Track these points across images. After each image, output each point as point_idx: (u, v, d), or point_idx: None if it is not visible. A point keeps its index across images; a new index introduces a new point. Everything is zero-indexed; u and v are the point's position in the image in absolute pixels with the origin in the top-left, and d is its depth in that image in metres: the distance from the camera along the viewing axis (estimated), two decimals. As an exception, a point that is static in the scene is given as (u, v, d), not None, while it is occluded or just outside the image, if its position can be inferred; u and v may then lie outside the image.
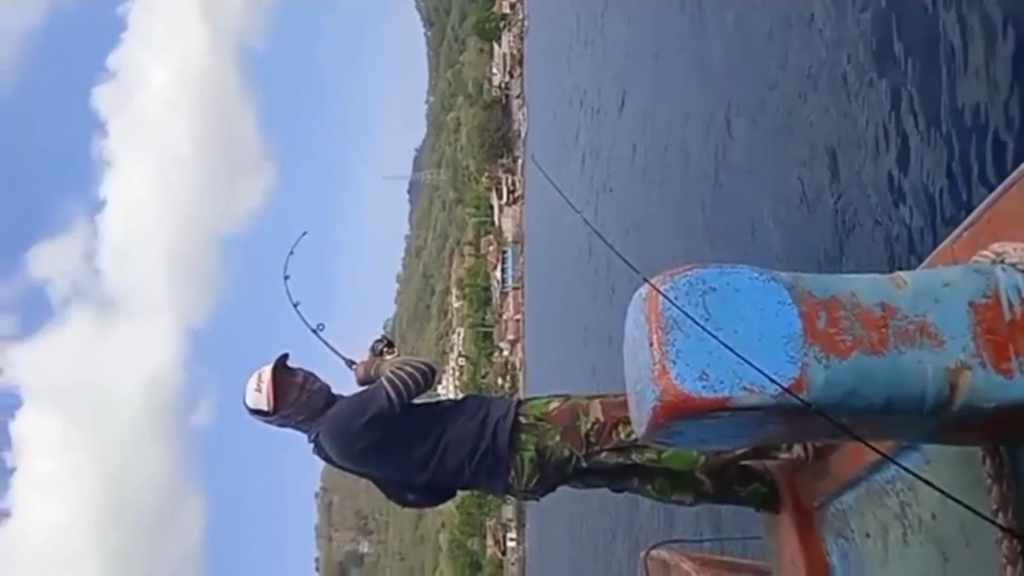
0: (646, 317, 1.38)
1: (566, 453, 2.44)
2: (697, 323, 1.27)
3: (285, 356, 2.67)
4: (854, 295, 1.37)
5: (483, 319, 66.15)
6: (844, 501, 2.23)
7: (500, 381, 58.62)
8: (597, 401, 2.48)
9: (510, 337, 58.59)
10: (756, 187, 6.19)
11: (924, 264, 1.71)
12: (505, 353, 60.54)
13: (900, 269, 1.52)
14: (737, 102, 7.02)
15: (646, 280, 1.36)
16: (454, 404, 2.68)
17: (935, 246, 1.75)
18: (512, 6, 63.10)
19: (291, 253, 3.12)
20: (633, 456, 2.40)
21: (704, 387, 1.30)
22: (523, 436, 2.47)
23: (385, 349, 2.79)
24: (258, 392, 2.61)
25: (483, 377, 62.89)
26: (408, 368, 2.53)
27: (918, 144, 3.52)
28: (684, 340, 1.34)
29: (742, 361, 1.29)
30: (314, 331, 2.81)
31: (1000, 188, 1.51)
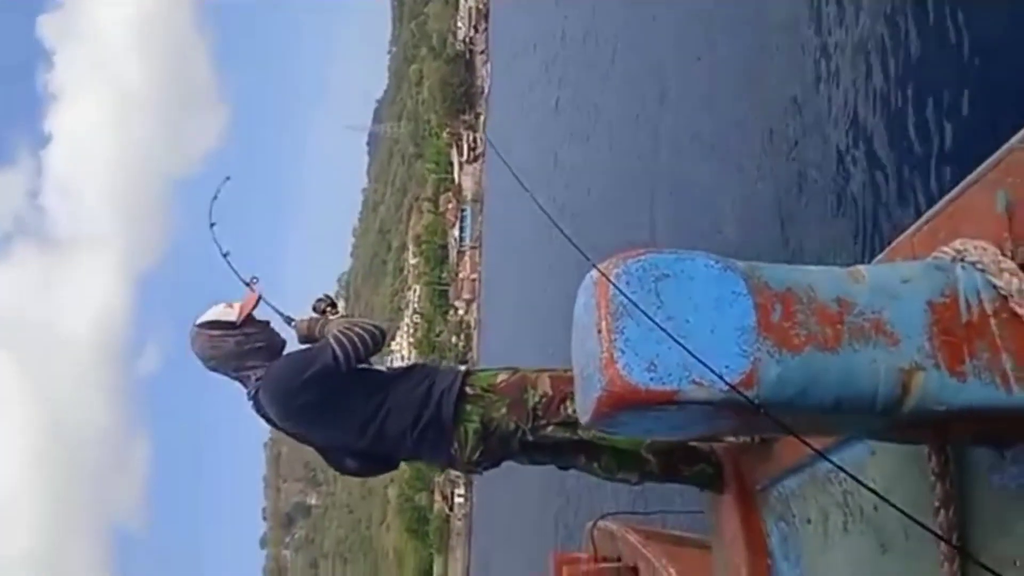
0: (596, 302, 1.31)
1: (511, 426, 2.39)
2: (646, 314, 1.20)
3: (259, 296, 2.59)
4: (811, 288, 1.31)
5: (439, 277, 65.86)
6: (787, 486, 2.23)
7: (454, 340, 58.68)
8: (546, 375, 2.43)
9: (466, 296, 58.54)
10: (718, 174, 6.17)
11: (882, 256, 1.67)
12: (460, 312, 60.52)
13: (861, 261, 1.48)
14: (705, 86, 6.95)
15: (595, 267, 1.28)
16: (400, 372, 2.60)
17: (894, 238, 1.71)
18: (480, -43, 61.61)
19: (215, 198, 3.02)
20: (580, 432, 2.36)
21: (652, 379, 1.25)
22: (468, 407, 2.40)
23: (328, 309, 2.70)
24: (228, 307, 2.54)
25: (437, 335, 62.86)
26: (357, 329, 2.44)
27: (882, 136, 3.51)
28: (634, 328, 1.27)
29: (691, 354, 1.24)
30: (247, 284, 2.72)
31: (963, 183, 1.46)
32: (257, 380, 2.48)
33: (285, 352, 2.57)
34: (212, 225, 2.87)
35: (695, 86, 7.20)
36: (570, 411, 2.35)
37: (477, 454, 2.42)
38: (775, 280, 1.31)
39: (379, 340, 2.46)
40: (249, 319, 2.55)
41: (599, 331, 1.28)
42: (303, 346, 2.58)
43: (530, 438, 2.40)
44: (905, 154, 3.30)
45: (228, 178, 3.19)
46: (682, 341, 1.24)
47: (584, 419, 1.38)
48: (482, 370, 2.55)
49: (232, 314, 2.53)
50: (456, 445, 2.40)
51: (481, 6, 60.06)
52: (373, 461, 2.58)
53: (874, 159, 3.54)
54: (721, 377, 1.18)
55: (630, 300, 1.21)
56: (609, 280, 1.24)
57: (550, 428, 2.37)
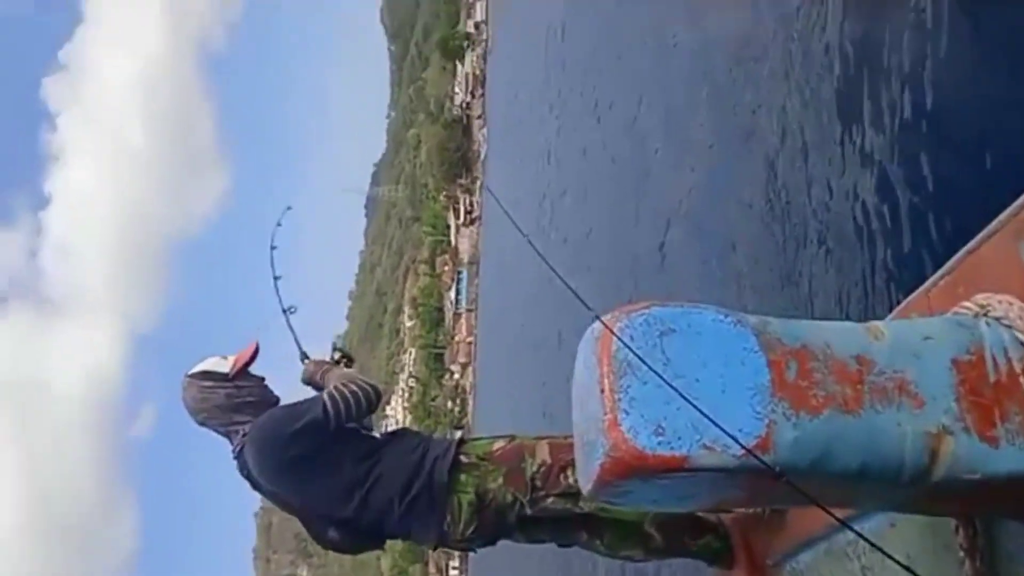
0: (597, 359, 1.22)
1: (509, 498, 2.24)
2: (653, 371, 1.11)
3: (257, 348, 2.49)
4: (828, 345, 1.23)
5: (435, 340, 65.52)
6: (801, 560, 2.10)
7: (450, 404, 58.02)
8: (545, 442, 2.29)
9: (461, 360, 58.12)
10: (721, 225, 6.09)
11: (896, 312, 1.59)
12: (456, 376, 60.00)
13: (871, 317, 1.40)
14: (706, 136, 6.96)
15: (598, 317, 1.20)
16: (391, 436, 2.48)
17: (907, 293, 1.63)
18: (476, 26, 63.43)
19: (278, 225, 3.02)
20: (581, 503, 2.22)
21: (660, 443, 1.14)
22: (463, 476, 2.26)
23: (343, 361, 2.62)
24: (223, 359, 2.45)
25: (432, 400, 62.16)
26: (352, 386, 2.32)
27: (891, 186, 3.47)
28: (639, 387, 1.18)
29: (703, 415, 1.14)
30: (284, 312, 2.69)
31: (981, 235, 1.39)
32: (243, 436, 2.35)
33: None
34: (273, 248, 2.87)
35: (697, 137, 7.22)
36: (571, 481, 2.21)
37: (471, 529, 2.25)
38: (789, 336, 1.23)
39: (373, 400, 2.35)
40: (243, 372, 2.43)
41: (601, 390, 1.18)
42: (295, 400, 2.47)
43: (528, 511, 2.24)
44: (916, 205, 3.25)
45: (289, 207, 3.21)
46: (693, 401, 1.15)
47: (586, 488, 1.27)
48: (477, 438, 2.42)
49: (226, 366, 2.42)
50: (449, 519, 2.24)
51: (478, 72, 61.54)
52: (357, 534, 2.41)
53: (883, 210, 3.50)
54: (737, 441, 1.07)
55: (635, 354, 1.12)
56: (613, 332, 1.15)
57: (550, 500, 2.22)
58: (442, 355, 64.13)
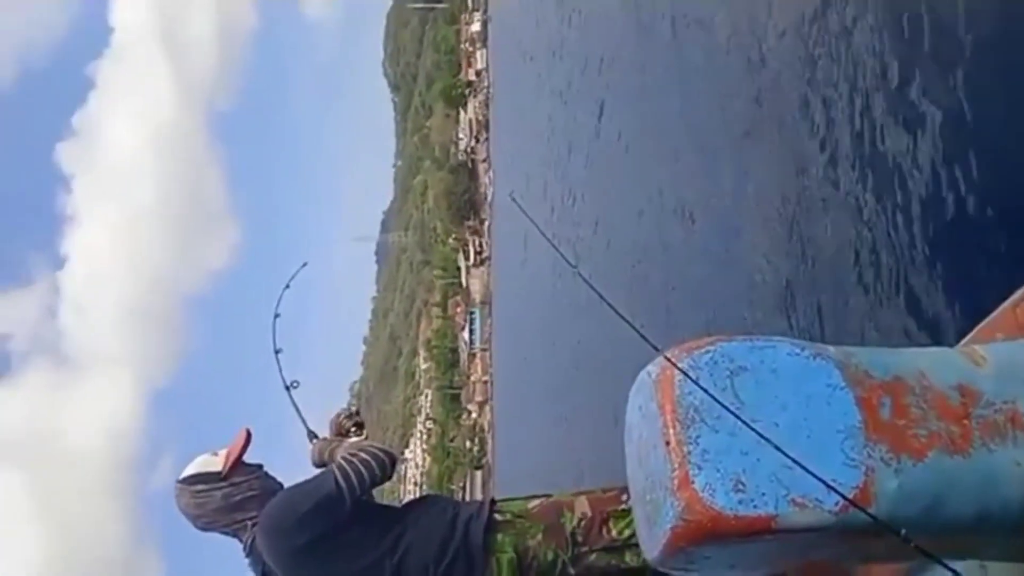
0: (659, 405, 1.06)
1: (550, 556, 2.06)
2: (739, 418, 0.95)
3: (249, 435, 2.31)
4: (923, 375, 1.07)
5: (451, 381, 65.17)
6: (875, 609, 1.90)
7: (468, 444, 57.43)
8: (583, 496, 2.13)
9: (478, 399, 57.70)
10: (757, 245, 5.78)
11: (977, 331, 1.42)
12: (473, 415, 59.52)
13: (943, 342, 1.23)
14: (727, 156, 6.74)
15: (667, 358, 1.04)
16: (416, 501, 2.31)
17: (969, 313, 1.46)
18: (478, 73, 64.31)
19: (287, 287, 2.88)
20: (627, 557, 2.04)
21: (741, 501, 0.98)
22: (500, 535, 2.08)
23: (353, 430, 2.44)
24: (213, 456, 2.26)
25: (451, 440, 61.58)
26: (362, 455, 2.15)
27: (961, 196, 3.28)
28: (711, 437, 1.02)
29: (789, 466, 0.98)
30: (287, 387, 2.53)
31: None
32: (253, 527, 2.17)
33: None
34: (276, 316, 2.69)
35: (716, 163, 7.00)
36: (614, 534, 2.03)
37: None
38: (877, 367, 1.07)
39: (386, 466, 2.17)
40: (237, 466, 2.23)
41: (667, 442, 1.02)
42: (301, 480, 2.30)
43: (571, 570, 2.07)
44: (982, 217, 3.07)
45: (305, 264, 3.10)
46: (773, 451, 0.99)
47: (652, 554, 1.11)
48: (511, 498, 2.26)
49: (217, 463, 2.22)
50: None
51: (480, 117, 62.17)
52: None
53: (942, 221, 3.31)
54: (844, 496, 0.91)
55: (711, 395, 0.96)
56: (684, 373, 0.99)
57: (593, 556, 2.03)
58: (458, 395, 63.76)
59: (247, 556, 2.18)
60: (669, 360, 1.02)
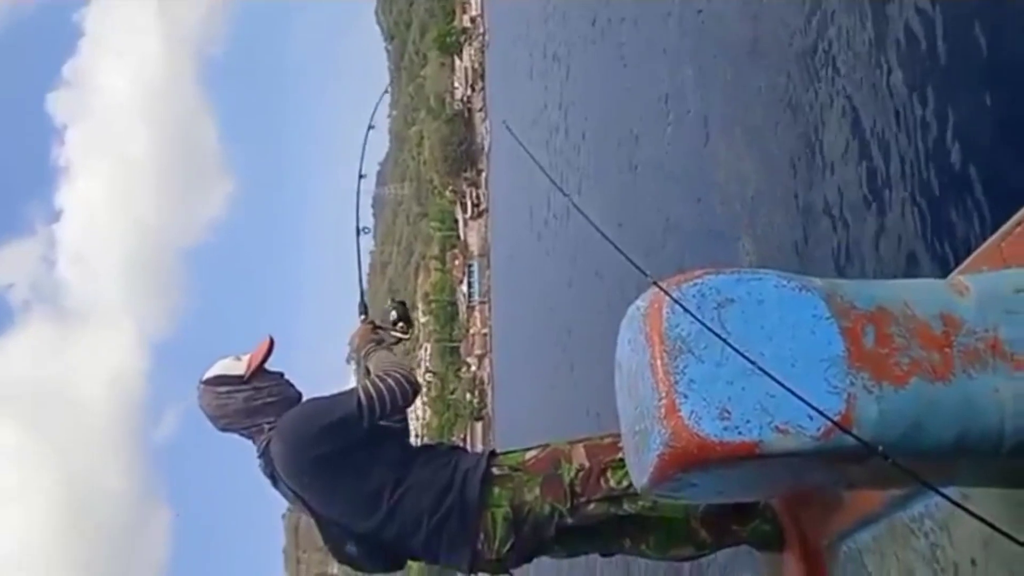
0: (647, 337, 1.09)
1: (547, 510, 2.09)
2: (729, 343, 0.97)
3: (272, 342, 2.36)
4: (907, 305, 1.09)
5: (450, 334, 65.53)
6: (860, 539, 1.96)
7: (468, 396, 58.06)
8: (580, 445, 2.15)
9: (477, 352, 58.12)
10: (755, 177, 5.74)
11: (964, 267, 1.44)
12: (473, 368, 60.03)
13: (931, 274, 1.25)
14: (737, 106, 6.63)
15: (654, 282, 1.06)
16: (424, 447, 2.36)
17: (973, 245, 1.48)
18: (472, 20, 63.07)
19: (371, 127, 3.15)
20: (625, 506, 2.07)
21: (726, 428, 1.01)
22: (496, 489, 2.11)
23: (399, 324, 2.54)
24: (236, 360, 2.31)
25: (451, 393, 62.24)
26: (389, 380, 2.18)
27: (951, 134, 3.25)
28: (697, 366, 1.04)
29: (773, 395, 1.01)
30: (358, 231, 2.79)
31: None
32: (269, 430, 2.22)
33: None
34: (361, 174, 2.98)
35: (721, 110, 6.90)
36: (612, 484, 2.06)
37: (507, 546, 2.08)
38: (862, 298, 1.09)
39: (410, 395, 2.21)
40: (259, 371, 2.29)
41: (655, 371, 1.05)
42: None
43: (569, 520, 2.09)
44: (971, 152, 3.05)
45: (387, 90, 3.29)
46: (757, 380, 1.01)
47: (641, 482, 1.14)
48: (509, 451, 2.29)
49: (240, 367, 2.28)
50: (482, 536, 2.09)
51: (476, 66, 61.21)
52: (378, 551, 2.27)
53: (933, 156, 3.29)
54: (827, 416, 0.94)
55: (701, 322, 0.98)
56: (673, 298, 1.01)
57: (591, 506, 2.07)
58: (458, 348, 64.20)
59: (259, 457, 2.24)
60: (657, 285, 1.04)
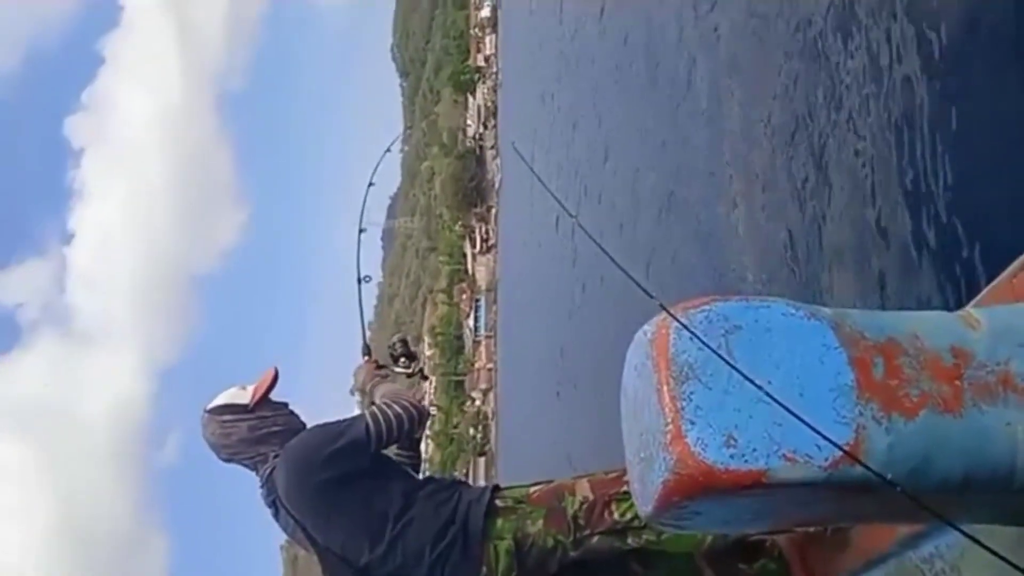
0: (653, 362, 1.08)
1: (550, 543, 2.06)
2: (736, 369, 0.96)
3: (276, 373, 2.37)
4: (917, 337, 1.08)
5: (455, 368, 65.35)
6: (869, 582, 1.91)
7: (472, 431, 57.66)
8: (585, 480, 2.13)
9: (482, 386, 57.86)
10: (764, 207, 5.73)
11: (977, 300, 1.43)
12: (477, 402, 59.71)
13: (939, 305, 1.24)
14: (741, 127, 6.68)
15: (661, 306, 1.05)
16: (427, 480, 2.35)
17: (986, 280, 1.47)
18: (487, 59, 64.10)
19: (387, 151, 3.12)
20: (630, 540, 2.04)
21: (732, 456, 1.00)
22: (499, 521, 2.09)
23: (401, 360, 2.50)
24: (241, 389, 2.33)
25: (455, 427, 61.84)
26: (396, 408, 2.18)
27: (962, 166, 3.26)
28: (704, 393, 1.03)
29: (780, 423, 0.99)
30: (359, 280, 2.79)
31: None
32: (275, 457, 2.21)
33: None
34: (370, 185, 3.04)
35: (728, 164, 6.96)
36: (616, 516, 2.04)
37: None
38: (871, 328, 1.08)
39: (416, 423, 2.20)
40: (264, 401, 2.30)
41: (661, 397, 1.04)
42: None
43: (573, 554, 2.06)
44: (989, 187, 3.05)
45: (408, 129, 3.34)
46: (765, 408, 1.00)
47: (645, 510, 1.12)
48: (513, 486, 2.28)
49: (245, 396, 2.30)
50: (485, 569, 2.06)
51: (489, 104, 62.03)
52: None
53: (945, 186, 3.29)
54: (837, 445, 0.92)
55: (708, 347, 0.97)
56: (682, 323, 1.00)
57: (595, 539, 2.04)
58: (463, 383, 63.94)
59: (262, 487, 2.23)
60: (665, 309, 1.03)
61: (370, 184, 2.98)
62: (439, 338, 69.84)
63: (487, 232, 61.64)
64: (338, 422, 2.22)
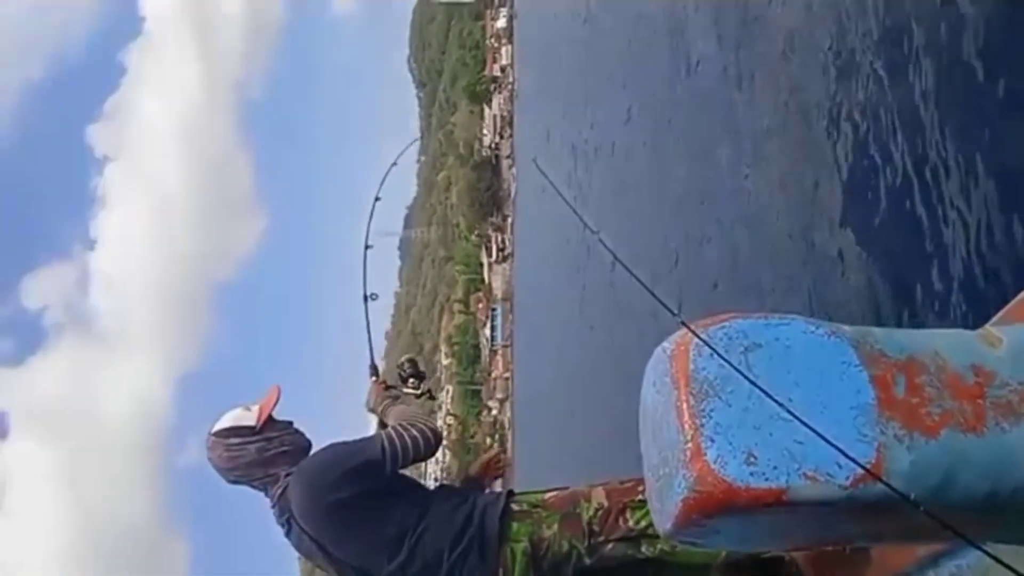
0: (673, 379, 1.08)
1: (565, 546, 2.07)
2: (757, 386, 0.97)
3: (280, 391, 2.38)
4: (938, 355, 1.07)
5: (472, 377, 65.38)
6: (890, 600, 1.89)
7: (488, 440, 57.59)
8: (600, 487, 2.14)
9: (499, 395, 57.81)
10: (785, 223, 5.71)
11: (998, 318, 1.42)
12: (494, 412, 59.66)
13: (959, 324, 1.24)
14: (760, 155, 6.67)
15: (682, 322, 1.06)
16: (442, 487, 2.36)
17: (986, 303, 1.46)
18: (503, 69, 64.35)
19: (394, 164, 3.21)
20: (644, 548, 2.04)
21: (752, 474, 1.00)
22: (515, 524, 2.11)
23: (410, 380, 2.52)
24: (246, 410, 2.32)
25: (471, 436, 61.79)
26: (413, 431, 2.20)
27: (985, 184, 3.24)
28: (724, 410, 1.03)
29: (801, 441, 0.99)
30: (365, 298, 2.78)
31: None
32: (287, 476, 2.23)
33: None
34: (377, 199, 2.96)
35: (740, 164, 6.94)
36: (631, 523, 2.05)
37: None
38: (892, 346, 1.08)
39: (432, 445, 2.22)
40: (269, 421, 2.31)
41: (680, 414, 1.04)
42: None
43: (587, 560, 2.07)
44: (1009, 202, 3.03)
45: (417, 138, 3.31)
46: (785, 425, 1.00)
47: (664, 527, 1.12)
48: (528, 491, 2.29)
49: (251, 418, 2.29)
50: (502, 572, 2.08)
51: (505, 114, 62.24)
52: None
53: (966, 207, 3.27)
54: (858, 463, 0.92)
55: (729, 363, 0.98)
56: (704, 340, 1.01)
57: (609, 546, 2.05)
58: (479, 392, 63.93)
59: (273, 507, 2.23)
60: (685, 325, 1.04)
61: (376, 199, 2.94)
62: (456, 347, 69.91)
63: (503, 241, 61.73)
64: (354, 441, 2.24)
